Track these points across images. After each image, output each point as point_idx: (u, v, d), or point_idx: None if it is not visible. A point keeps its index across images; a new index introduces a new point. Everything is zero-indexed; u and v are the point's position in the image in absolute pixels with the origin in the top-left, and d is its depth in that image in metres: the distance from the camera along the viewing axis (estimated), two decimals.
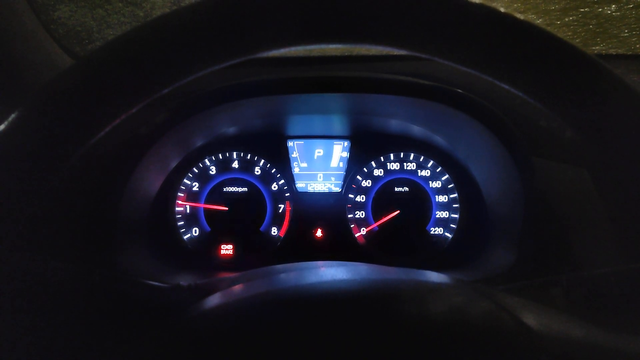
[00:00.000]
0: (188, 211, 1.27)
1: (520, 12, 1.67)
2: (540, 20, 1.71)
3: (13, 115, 0.42)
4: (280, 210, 1.29)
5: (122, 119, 0.46)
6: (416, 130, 1.22)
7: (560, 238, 0.97)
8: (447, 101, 0.97)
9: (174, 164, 1.21)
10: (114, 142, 1.00)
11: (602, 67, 0.44)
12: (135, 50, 0.42)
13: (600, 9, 1.65)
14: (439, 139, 1.22)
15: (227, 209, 1.27)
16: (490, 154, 1.10)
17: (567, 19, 1.71)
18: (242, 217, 1.28)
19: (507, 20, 0.43)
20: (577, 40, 1.86)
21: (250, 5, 0.42)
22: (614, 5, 1.62)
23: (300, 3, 0.43)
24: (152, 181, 1.15)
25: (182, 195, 1.26)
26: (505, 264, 1.04)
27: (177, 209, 1.26)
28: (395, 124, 1.21)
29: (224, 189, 1.28)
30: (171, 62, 0.44)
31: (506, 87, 0.46)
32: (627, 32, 1.80)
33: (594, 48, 1.91)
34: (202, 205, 1.27)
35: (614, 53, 1.92)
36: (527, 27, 0.43)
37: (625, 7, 1.63)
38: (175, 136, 1.03)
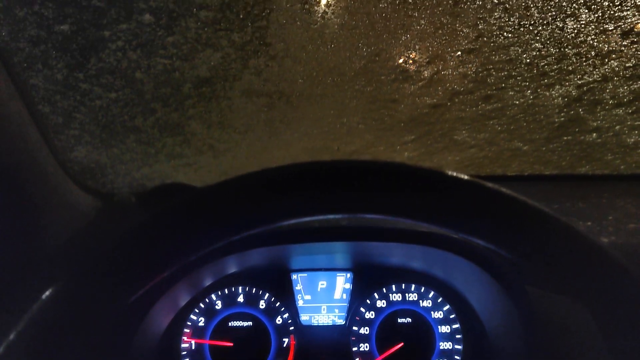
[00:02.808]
0: (193, 347, 1.27)
1: (507, 141, 1.78)
2: (527, 147, 1.82)
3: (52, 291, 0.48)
4: (284, 345, 1.29)
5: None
6: (415, 263, 1.26)
7: None
8: (438, 245, 1.04)
9: (183, 303, 1.24)
10: None
11: (559, 221, 0.52)
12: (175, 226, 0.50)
13: (582, 137, 1.76)
14: (437, 272, 1.26)
15: (232, 344, 1.27)
16: (485, 287, 1.13)
17: (551, 146, 1.82)
18: (246, 353, 1.28)
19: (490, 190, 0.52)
20: (563, 163, 1.97)
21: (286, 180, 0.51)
22: (595, 134, 1.74)
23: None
24: (162, 321, 1.17)
25: (188, 331, 1.27)
26: None
27: (183, 345, 1.26)
28: (395, 258, 1.26)
29: (229, 324, 1.29)
30: (202, 235, 0.52)
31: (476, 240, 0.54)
32: (610, 156, 1.91)
33: (580, 170, 2.02)
34: (207, 342, 1.27)
35: (600, 174, 2.02)
36: (505, 196, 0.52)
37: (605, 135, 1.75)
38: (187, 281, 1.08)
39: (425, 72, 1.35)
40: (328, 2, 1.06)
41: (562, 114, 1.63)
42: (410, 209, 0.56)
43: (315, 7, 1.07)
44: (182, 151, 1.58)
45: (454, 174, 0.56)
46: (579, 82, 1.45)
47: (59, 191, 1.40)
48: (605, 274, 0.55)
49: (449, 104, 1.54)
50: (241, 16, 1.07)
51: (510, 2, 1.12)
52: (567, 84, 1.46)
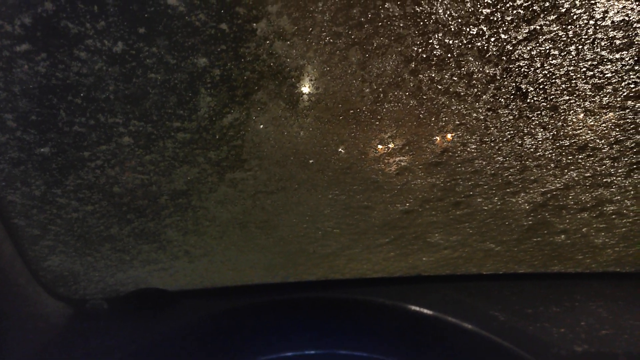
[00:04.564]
0: None
1: (479, 242, 1.83)
2: (499, 248, 1.86)
3: None
4: None
5: None
6: None
7: None
8: None
9: None
10: None
11: None
12: None
13: (551, 238, 1.81)
14: None
15: None
16: None
17: (523, 246, 1.87)
18: None
19: None
20: (535, 262, 2.01)
21: None
22: (563, 236, 1.80)
23: None
24: None
25: None
26: None
27: None
28: None
29: None
30: None
31: None
32: (580, 255, 1.95)
33: (553, 268, 2.05)
34: None
35: (573, 272, 2.05)
36: None
37: (573, 236, 1.80)
38: None
39: (395, 182, 1.41)
40: (300, 124, 1.12)
41: (529, 218, 1.69)
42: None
43: (288, 129, 1.14)
44: (158, 257, 1.58)
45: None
46: (542, 189, 1.52)
47: (30, 301, 1.38)
48: None
49: (420, 210, 1.59)
50: (217, 137, 1.12)
51: (471, 123, 1.20)
52: (531, 191, 1.52)
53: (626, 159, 1.36)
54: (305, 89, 1.02)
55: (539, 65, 1.03)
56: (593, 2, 0.89)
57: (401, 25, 0.90)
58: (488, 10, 0.89)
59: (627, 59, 1.02)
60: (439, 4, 0.87)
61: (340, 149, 1.22)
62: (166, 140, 1.10)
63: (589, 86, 1.10)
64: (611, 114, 1.20)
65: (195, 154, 1.16)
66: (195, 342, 0.55)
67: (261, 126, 1.11)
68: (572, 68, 1.04)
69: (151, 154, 1.13)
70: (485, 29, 0.93)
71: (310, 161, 1.26)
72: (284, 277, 1.94)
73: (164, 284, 1.77)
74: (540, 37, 0.96)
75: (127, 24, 0.80)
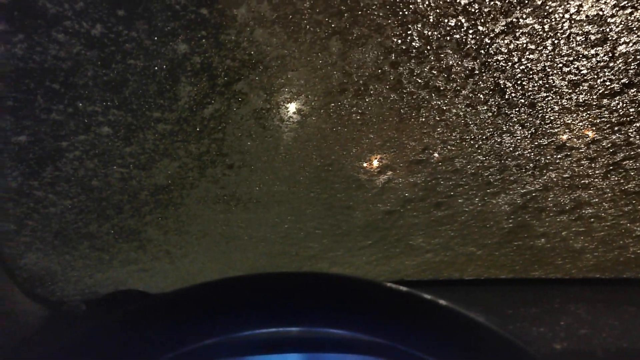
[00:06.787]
0: None
1: (461, 246, 1.83)
2: (480, 252, 1.87)
3: None
4: None
5: None
6: None
7: None
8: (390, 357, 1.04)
9: None
10: None
11: None
12: None
13: (531, 242, 1.83)
14: None
15: None
16: None
17: (504, 250, 1.88)
18: None
19: None
20: (516, 267, 2.02)
21: None
22: (543, 239, 1.81)
23: None
24: None
25: None
26: None
27: None
28: None
29: None
30: None
31: None
32: (560, 260, 1.97)
33: (534, 273, 2.06)
34: None
35: (553, 277, 2.07)
36: None
37: (553, 240, 1.82)
38: None
39: (377, 181, 1.41)
40: (281, 117, 1.12)
41: (510, 220, 1.70)
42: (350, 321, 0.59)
43: (269, 122, 1.14)
44: (138, 257, 1.56)
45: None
46: (522, 191, 1.53)
47: (5, 300, 1.35)
48: None
49: (402, 210, 1.59)
50: (198, 129, 1.12)
51: (451, 119, 1.22)
52: (511, 192, 1.54)
53: (603, 160, 1.38)
54: (286, 80, 1.03)
55: (516, 60, 1.05)
56: None
57: (380, 14, 0.91)
58: (466, 1, 0.91)
59: (601, 55, 1.05)
60: None
61: (322, 144, 1.23)
62: (146, 132, 1.10)
63: (566, 83, 1.12)
64: (587, 112, 1.22)
65: (175, 147, 1.16)
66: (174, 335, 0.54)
67: (242, 119, 1.11)
68: (548, 63, 1.06)
69: (131, 145, 1.12)
70: (463, 20, 0.95)
71: (292, 156, 1.26)
72: None
73: (145, 286, 1.74)
74: (517, 30, 0.98)
75: (105, 6, 0.80)
